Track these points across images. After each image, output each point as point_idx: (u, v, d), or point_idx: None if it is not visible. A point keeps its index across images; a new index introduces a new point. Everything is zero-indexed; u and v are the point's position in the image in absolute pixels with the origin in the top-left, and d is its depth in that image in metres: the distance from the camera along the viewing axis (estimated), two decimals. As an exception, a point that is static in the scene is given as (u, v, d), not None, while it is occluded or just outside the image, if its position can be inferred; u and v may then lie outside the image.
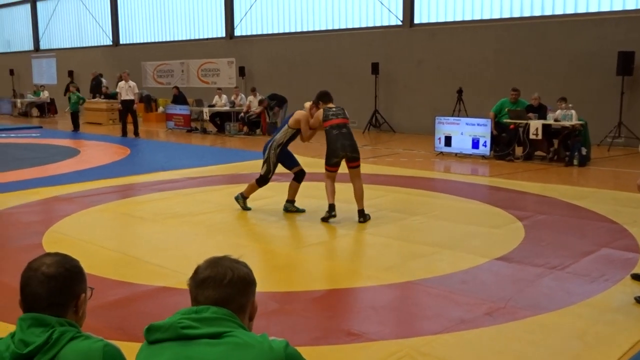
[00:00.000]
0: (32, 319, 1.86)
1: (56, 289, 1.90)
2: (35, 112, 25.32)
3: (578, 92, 13.64)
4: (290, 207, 7.62)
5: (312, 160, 11.70)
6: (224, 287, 1.86)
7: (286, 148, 7.58)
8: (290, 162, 7.71)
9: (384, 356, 3.72)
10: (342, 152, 7.05)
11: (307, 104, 7.57)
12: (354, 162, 7.14)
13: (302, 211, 7.62)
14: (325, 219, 7.06)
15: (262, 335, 1.82)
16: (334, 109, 7.23)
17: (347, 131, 7.14)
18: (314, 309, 4.59)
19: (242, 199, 7.71)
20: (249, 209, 7.67)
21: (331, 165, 7.17)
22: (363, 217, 7.07)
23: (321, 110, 7.22)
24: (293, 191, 7.66)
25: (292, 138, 7.53)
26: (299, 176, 7.64)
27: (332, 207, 7.08)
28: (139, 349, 1.88)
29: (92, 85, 23.66)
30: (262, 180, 7.57)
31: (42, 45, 31.85)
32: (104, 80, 23.14)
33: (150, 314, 4.36)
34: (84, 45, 29.08)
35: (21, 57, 32.06)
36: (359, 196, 7.13)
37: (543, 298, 4.68)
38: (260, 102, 16.99)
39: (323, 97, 7.33)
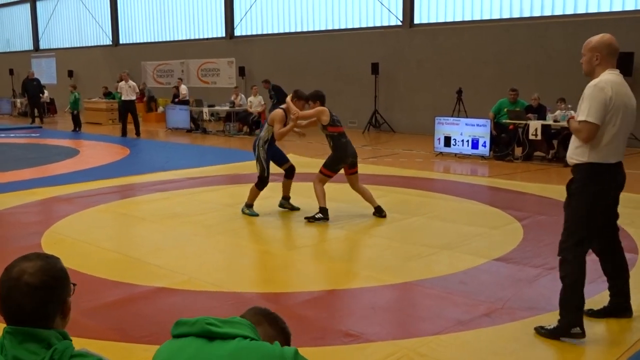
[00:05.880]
0: (24, 333, 1.69)
1: (42, 300, 1.72)
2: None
3: (577, 92, 13.54)
4: (285, 204, 7.71)
5: (309, 161, 11.71)
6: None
7: (274, 145, 7.59)
8: (279, 159, 7.80)
9: (382, 357, 3.72)
10: (351, 158, 7.20)
11: (289, 98, 7.49)
12: (354, 167, 7.29)
13: (297, 209, 7.67)
14: (311, 219, 7.11)
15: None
16: (335, 116, 7.25)
17: (349, 139, 7.30)
18: (311, 309, 4.58)
19: (247, 207, 7.59)
20: (257, 214, 7.51)
21: (334, 170, 7.20)
22: (380, 212, 7.28)
23: (326, 110, 7.11)
24: (286, 188, 7.74)
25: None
26: (289, 172, 7.73)
27: (326, 211, 7.15)
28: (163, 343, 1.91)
29: (32, 87, 21.93)
30: (261, 183, 7.51)
31: (42, 45, 31.85)
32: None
33: (148, 315, 4.34)
34: (84, 45, 29.09)
35: (21, 57, 32.05)
36: (370, 196, 7.37)
37: (541, 299, 4.69)
38: (265, 82, 17.67)
39: (322, 99, 7.28)
